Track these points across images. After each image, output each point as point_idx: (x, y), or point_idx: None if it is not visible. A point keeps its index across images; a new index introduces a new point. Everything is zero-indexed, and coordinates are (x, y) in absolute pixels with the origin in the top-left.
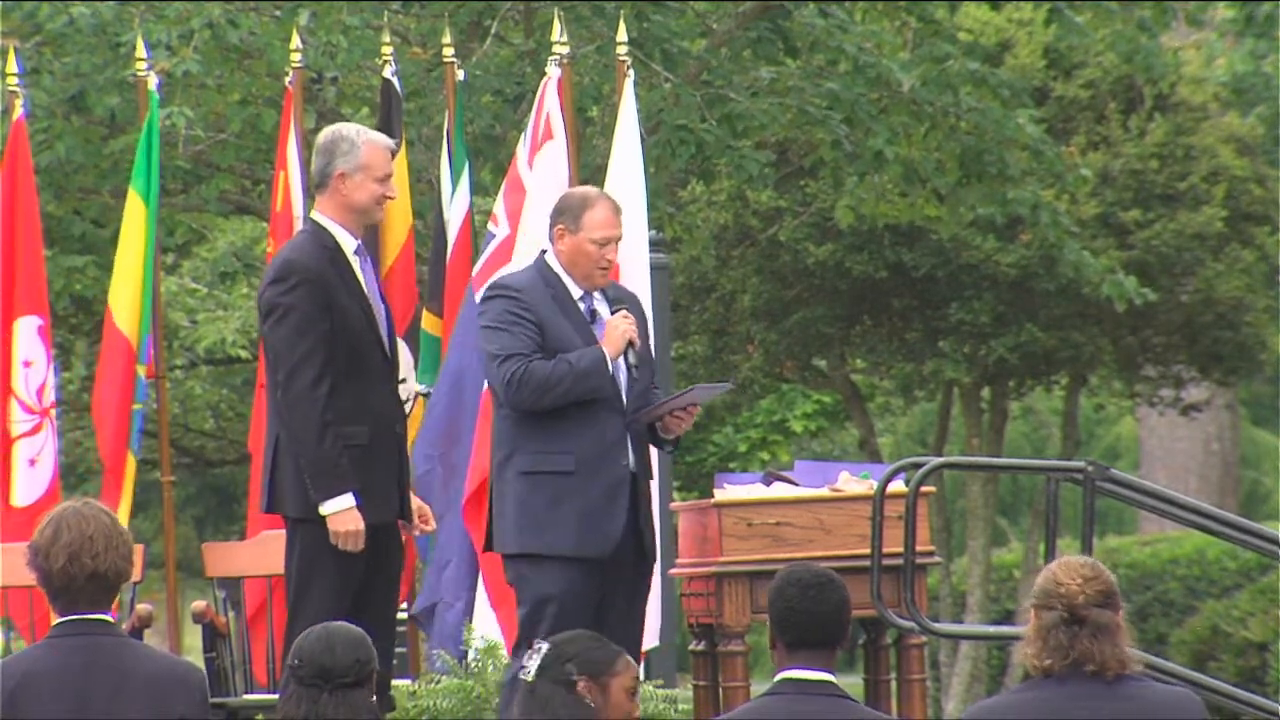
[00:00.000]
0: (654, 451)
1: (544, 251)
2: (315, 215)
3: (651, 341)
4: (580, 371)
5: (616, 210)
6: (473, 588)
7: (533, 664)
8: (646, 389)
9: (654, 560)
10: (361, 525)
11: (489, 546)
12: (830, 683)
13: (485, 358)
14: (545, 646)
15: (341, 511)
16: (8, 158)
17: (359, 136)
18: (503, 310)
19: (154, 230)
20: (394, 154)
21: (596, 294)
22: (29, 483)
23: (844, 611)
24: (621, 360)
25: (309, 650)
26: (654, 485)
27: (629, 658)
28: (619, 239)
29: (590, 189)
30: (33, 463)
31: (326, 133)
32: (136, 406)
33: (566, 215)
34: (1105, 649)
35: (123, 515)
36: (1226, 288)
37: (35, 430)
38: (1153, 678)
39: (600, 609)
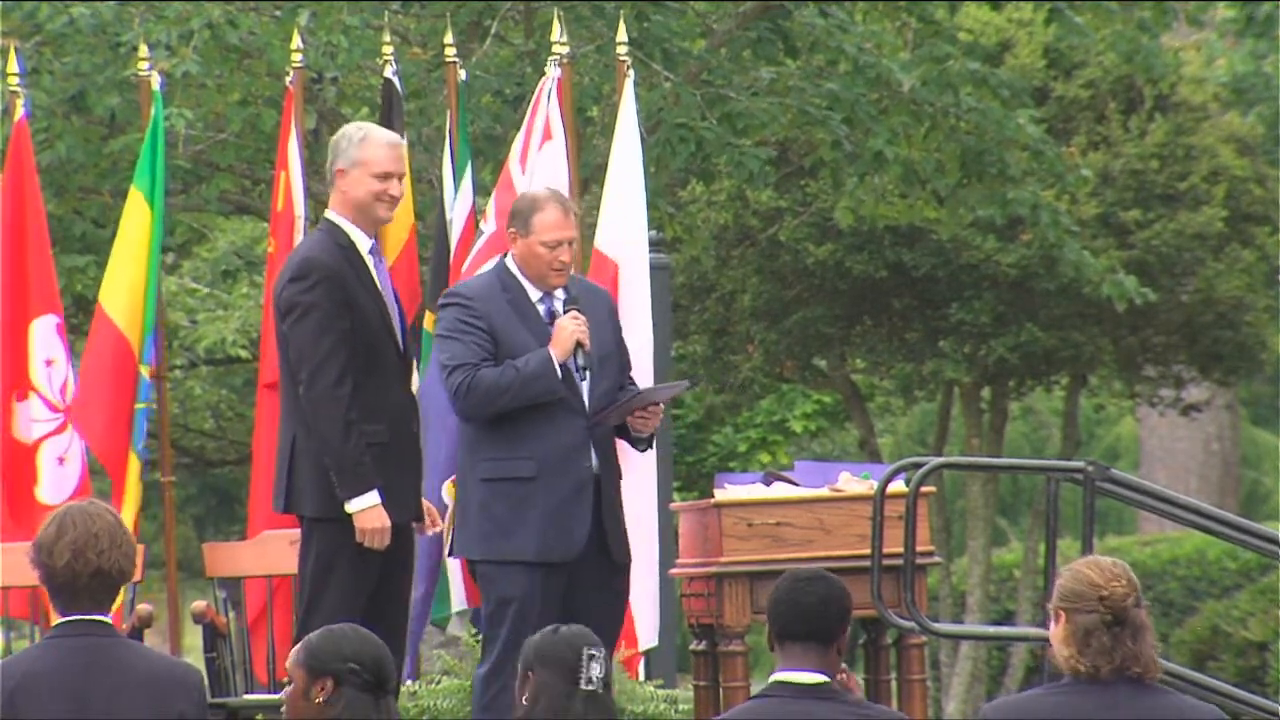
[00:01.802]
0: (637, 455)
1: (504, 255)
2: (329, 214)
3: (650, 338)
4: (527, 375)
5: (567, 210)
6: (431, 576)
7: (600, 673)
8: (615, 387)
9: (624, 562)
10: (388, 523)
11: (451, 551)
12: (823, 684)
13: (438, 367)
14: (601, 654)
15: (368, 509)
16: (11, 159)
17: (358, 133)
18: (454, 319)
19: (160, 232)
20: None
21: (558, 294)
22: (58, 480)
23: (831, 605)
24: (571, 362)
25: (368, 656)
26: (649, 486)
27: None
28: (571, 240)
29: (541, 191)
30: (61, 460)
31: (338, 132)
32: (140, 406)
33: (517, 219)
34: (1145, 650)
35: (127, 516)
36: (1226, 288)
37: (61, 429)
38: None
39: (567, 613)
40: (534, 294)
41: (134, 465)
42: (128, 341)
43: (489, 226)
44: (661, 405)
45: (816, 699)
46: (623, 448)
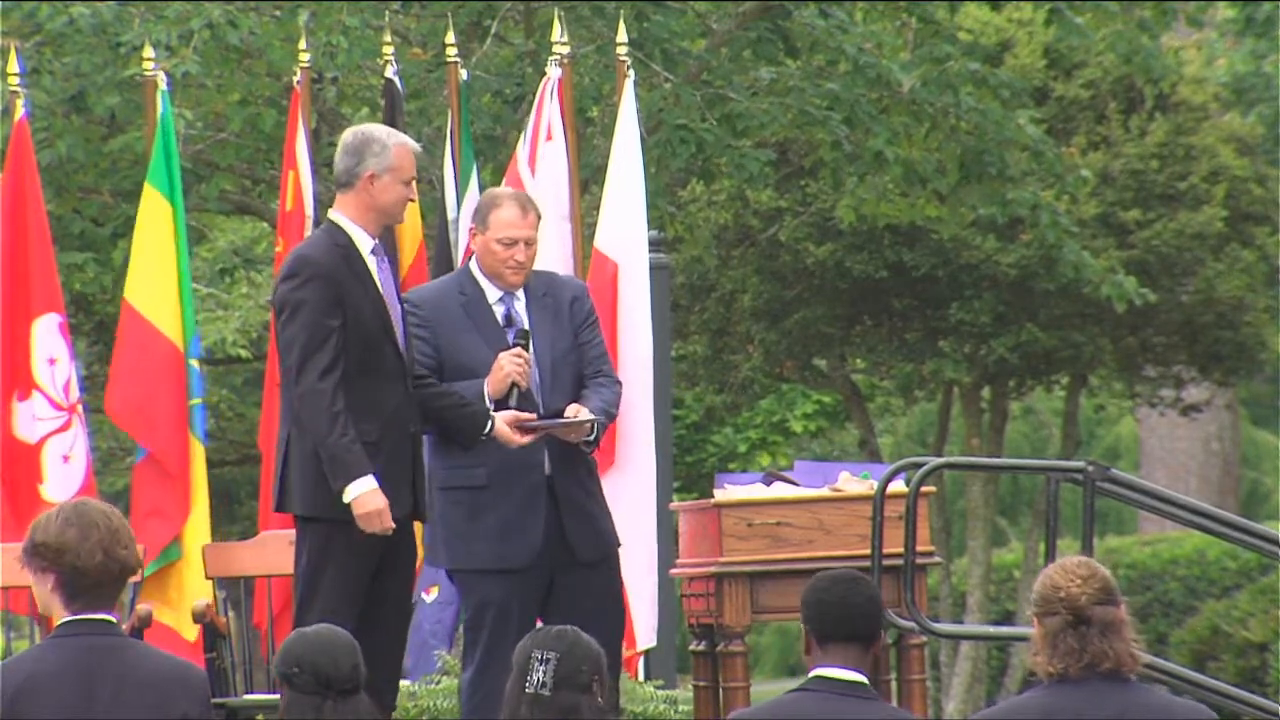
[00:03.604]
0: (636, 455)
1: (471, 256)
2: (333, 214)
3: (650, 338)
4: (459, 405)
5: (525, 210)
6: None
7: (545, 676)
8: (574, 386)
9: (595, 559)
10: (382, 504)
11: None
12: (863, 684)
13: None
14: (553, 656)
15: (363, 494)
16: (11, 158)
17: (390, 139)
18: None
19: (184, 228)
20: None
21: (520, 295)
22: (63, 478)
23: (875, 605)
24: (514, 396)
25: (308, 658)
26: (647, 486)
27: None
28: (529, 240)
29: (504, 189)
30: (66, 459)
31: (355, 133)
32: (196, 401)
33: (477, 215)
34: (1117, 645)
35: (199, 513)
36: (1226, 288)
37: (65, 427)
38: (1155, 680)
39: (554, 618)
40: (492, 295)
41: (200, 459)
42: (170, 340)
43: None
44: (581, 430)
45: (858, 698)
46: (629, 448)
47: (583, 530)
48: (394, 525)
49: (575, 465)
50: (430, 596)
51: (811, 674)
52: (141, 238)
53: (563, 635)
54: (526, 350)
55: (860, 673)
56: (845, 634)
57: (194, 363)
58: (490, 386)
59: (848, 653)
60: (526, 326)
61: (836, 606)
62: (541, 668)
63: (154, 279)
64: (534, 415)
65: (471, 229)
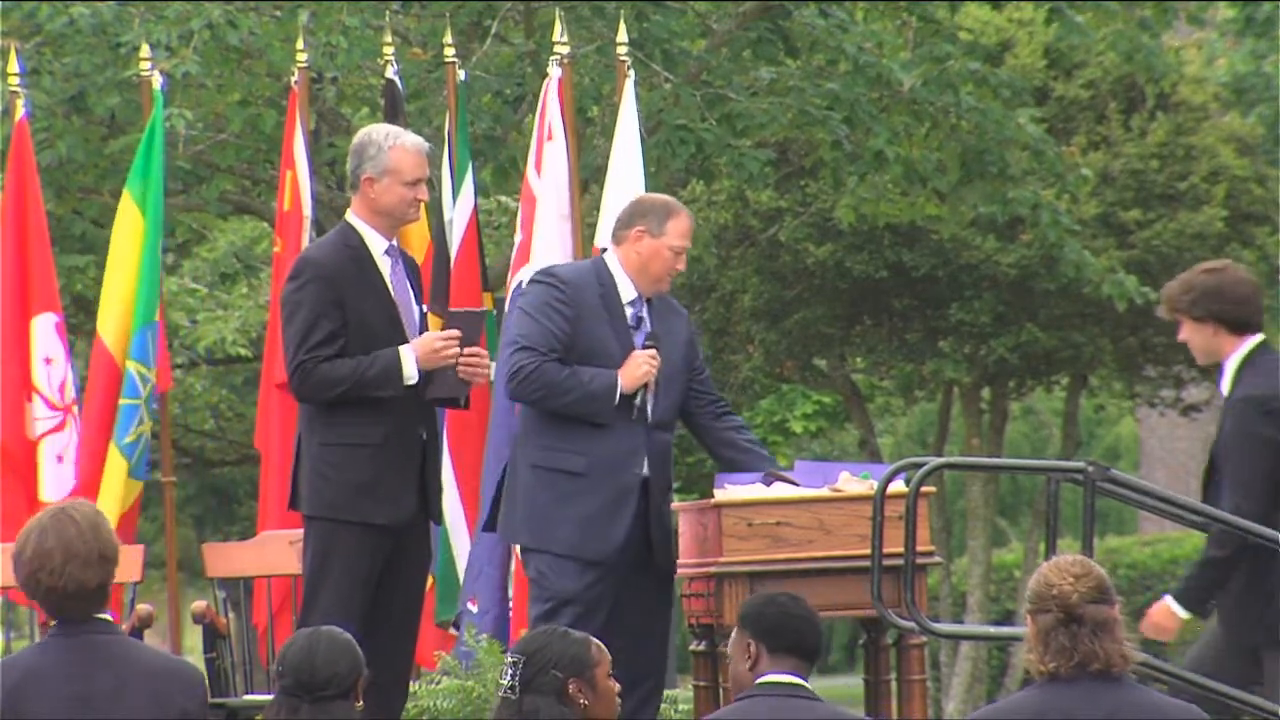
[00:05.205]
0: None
1: (604, 250)
2: (348, 215)
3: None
4: (589, 393)
5: (692, 223)
6: (499, 596)
7: (513, 678)
8: (677, 404)
9: (669, 570)
10: (430, 340)
11: (489, 527)
12: (803, 686)
13: (507, 339)
14: (520, 658)
15: (416, 360)
16: (11, 159)
17: (387, 140)
18: (542, 299)
19: (156, 233)
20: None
21: (643, 302)
22: (57, 479)
23: (814, 623)
24: (641, 395)
25: (291, 660)
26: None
27: (596, 641)
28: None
29: (670, 198)
30: (60, 459)
31: (359, 134)
32: (124, 403)
33: (650, 218)
34: (1107, 645)
35: (112, 519)
36: None
37: (60, 427)
38: (1154, 679)
39: (612, 621)
40: (627, 294)
41: (117, 464)
42: (115, 361)
43: (518, 236)
44: (485, 357)
45: (800, 698)
46: None
47: (665, 540)
48: (457, 338)
49: (667, 471)
50: (475, 607)
51: (762, 680)
52: (113, 251)
53: (536, 637)
54: (660, 353)
55: (800, 677)
56: (807, 648)
57: (131, 365)
58: (626, 381)
59: (801, 664)
60: (652, 330)
61: (801, 620)
62: (510, 670)
63: (117, 296)
64: (456, 334)
65: (639, 230)
